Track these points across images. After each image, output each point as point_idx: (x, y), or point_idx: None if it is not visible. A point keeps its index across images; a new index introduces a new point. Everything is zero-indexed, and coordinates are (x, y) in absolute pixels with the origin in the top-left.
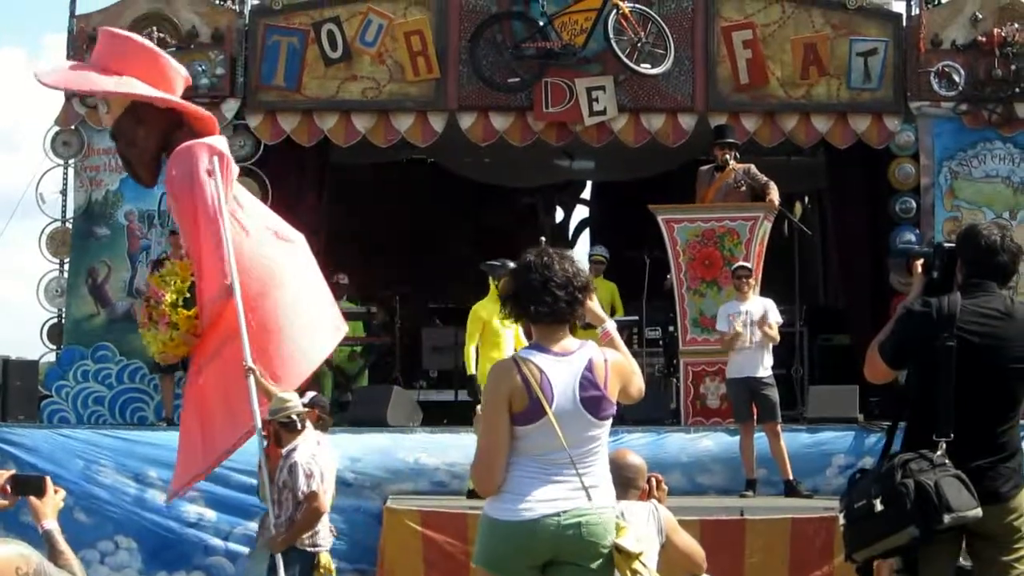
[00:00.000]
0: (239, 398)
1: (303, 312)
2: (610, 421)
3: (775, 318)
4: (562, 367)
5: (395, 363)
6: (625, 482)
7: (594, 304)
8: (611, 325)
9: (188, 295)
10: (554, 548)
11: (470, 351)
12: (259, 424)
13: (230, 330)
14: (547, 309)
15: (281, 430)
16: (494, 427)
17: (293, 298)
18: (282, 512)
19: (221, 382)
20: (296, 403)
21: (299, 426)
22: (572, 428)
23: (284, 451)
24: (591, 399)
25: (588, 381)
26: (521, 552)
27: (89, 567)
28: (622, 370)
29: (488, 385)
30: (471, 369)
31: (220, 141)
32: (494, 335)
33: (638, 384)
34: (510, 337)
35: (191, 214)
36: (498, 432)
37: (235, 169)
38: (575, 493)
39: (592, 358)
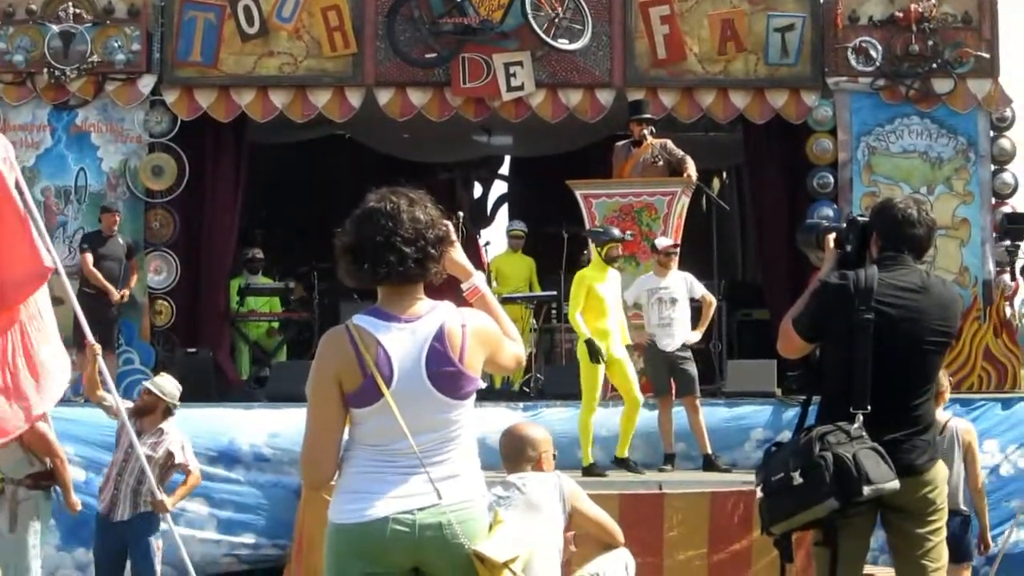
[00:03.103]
0: (28, 386)
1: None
2: (472, 399)
3: (700, 291)
4: (405, 336)
5: (313, 338)
6: (514, 454)
7: (457, 253)
8: (479, 279)
9: None
10: (414, 554)
11: (576, 316)
12: (120, 403)
13: (10, 321)
14: (387, 270)
15: (163, 413)
16: (322, 408)
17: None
18: (144, 480)
19: (9, 371)
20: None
21: (173, 412)
22: (419, 411)
23: (162, 428)
24: (443, 375)
25: (438, 353)
26: (373, 559)
27: None
28: (487, 336)
29: (316, 357)
30: (584, 333)
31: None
32: (598, 302)
33: (512, 351)
34: (613, 303)
35: None
36: (327, 413)
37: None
38: (428, 487)
39: (445, 323)
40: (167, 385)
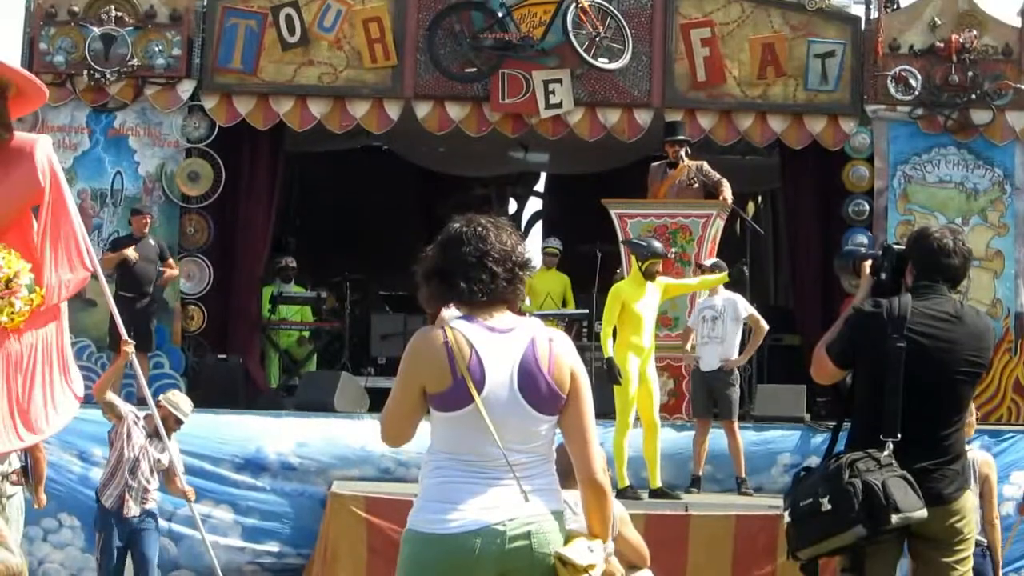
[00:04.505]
0: (61, 387)
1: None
2: (555, 418)
3: (746, 311)
4: (498, 344)
5: (344, 349)
6: (567, 471)
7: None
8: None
9: (33, 275)
10: (499, 566)
11: (607, 332)
12: (152, 404)
13: (53, 316)
14: (483, 288)
15: (175, 424)
16: (404, 396)
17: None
18: (152, 480)
19: (47, 365)
20: None
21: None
22: (506, 420)
23: (171, 437)
24: (533, 387)
25: (529, 365)
26: (457, 570)
27: (32, 544)
28: (572, 355)
29: (406, 352)
30: (608, 351)
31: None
32: (634, 318)
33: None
34: (651, 320)
35: (50, 199)
36: (408, 402)
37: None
38: (518, 498)
39: (535, 336)
40: (187, 406)
